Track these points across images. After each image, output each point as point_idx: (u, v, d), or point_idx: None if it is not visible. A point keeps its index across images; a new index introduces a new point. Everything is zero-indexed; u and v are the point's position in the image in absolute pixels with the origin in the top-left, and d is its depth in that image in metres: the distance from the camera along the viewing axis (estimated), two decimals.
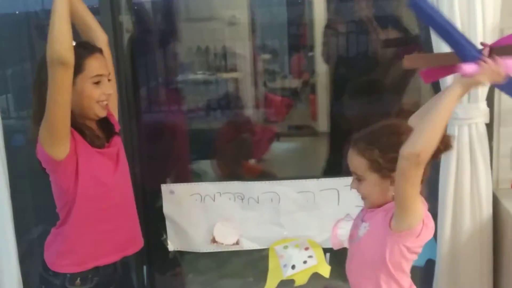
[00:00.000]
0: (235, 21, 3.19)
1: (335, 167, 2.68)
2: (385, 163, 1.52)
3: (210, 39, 3.19)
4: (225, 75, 3.32)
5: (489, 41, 2.04)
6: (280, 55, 3.40)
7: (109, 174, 1.87)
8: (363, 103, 2.84)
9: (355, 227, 1.69)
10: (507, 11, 2.09)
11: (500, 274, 2.21)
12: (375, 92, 2.86)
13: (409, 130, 1.50)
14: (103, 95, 1.83)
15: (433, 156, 1.49)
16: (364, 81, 2.91)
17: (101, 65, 1.84)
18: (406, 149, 1.40)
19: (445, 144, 1.53)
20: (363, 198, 1.63)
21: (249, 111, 3.31)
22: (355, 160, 1.58)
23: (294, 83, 3.40)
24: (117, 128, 1.97)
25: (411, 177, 1.42)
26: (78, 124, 1.83)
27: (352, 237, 1.69)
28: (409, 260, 1.58)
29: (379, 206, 1.60)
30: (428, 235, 1.54)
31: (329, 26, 2.98)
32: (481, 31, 2.03)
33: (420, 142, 1.39)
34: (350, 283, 1.69)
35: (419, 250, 1.58)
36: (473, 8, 2.02)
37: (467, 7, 2.03)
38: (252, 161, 3.13)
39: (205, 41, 3.19)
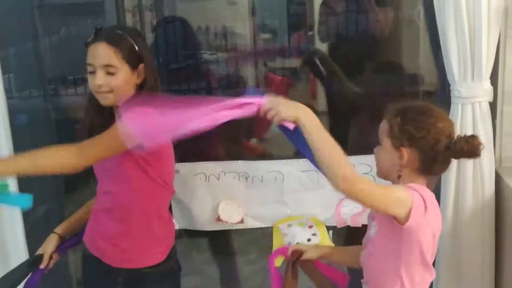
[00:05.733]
0: (235, 0, 3.17)
1: None
2: (398, 132, 1.52)
3: (211, 19, 3.17)
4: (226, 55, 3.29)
5: (494, 21, 2.06)
6: (280, 34, 3.38)
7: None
8: (360, 82, 2.84)
9: (368, 226, 1.69)
10: None
11: (502, 252, 2.24)
12: (373, 71, 2.86)
13: (441, 117, 1.52)
14: (94, 86, 1.77)
15: (456, 156, 1.52)
16: (362, 60, 2.90)
17: (96, 55, 1.76)
18: (335, 187, 1.44)
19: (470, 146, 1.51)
20: (376, 164, 1.64)
21: None
22: (382, 124, 1.59)
23: (293, 62, 3.39)
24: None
25: (362, 196, 1.43)
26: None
27: (368, 235, 1.68)
28: (429, 249, 1.54)
29: (385, 178, 1.61)
30: (432, 205, 1.50)
31: (325, 4, 2.96)
32: (486, 11, 2.04)
33: (333, 175, 1.43)
34: (367, 276, 1.67)
35: (437, 229, 1.55)
36: None
37: None
38: (253, 141, 3.13)
39: (205, 20, 3.17)
